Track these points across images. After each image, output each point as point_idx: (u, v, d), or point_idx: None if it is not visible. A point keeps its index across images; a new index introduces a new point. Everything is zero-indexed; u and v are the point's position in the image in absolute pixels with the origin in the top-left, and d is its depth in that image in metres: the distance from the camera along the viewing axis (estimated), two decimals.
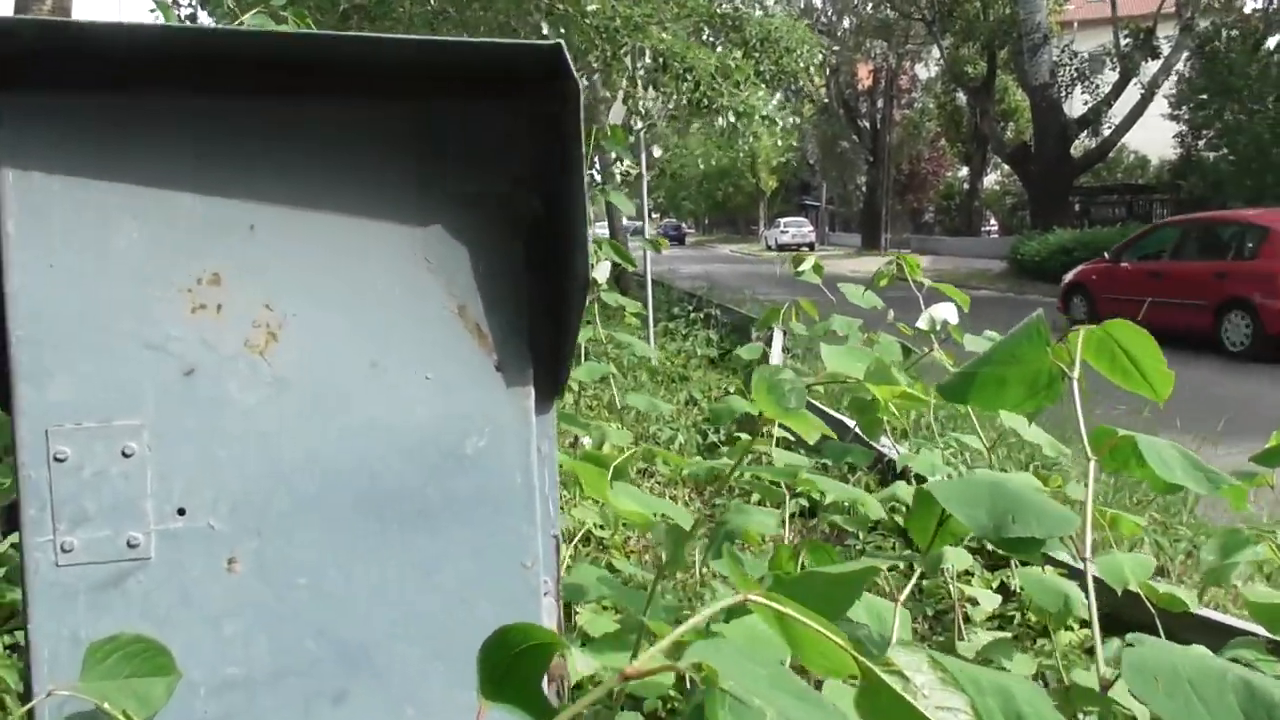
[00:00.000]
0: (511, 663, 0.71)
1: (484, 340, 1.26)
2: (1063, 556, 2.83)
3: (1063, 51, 25.03)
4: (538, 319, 1.28)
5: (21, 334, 1.11)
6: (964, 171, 35.39)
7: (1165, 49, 22.18)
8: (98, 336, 1.13)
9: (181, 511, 1.17)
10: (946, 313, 3.29)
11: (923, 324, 3.24)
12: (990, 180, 35.79)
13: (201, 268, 1.17)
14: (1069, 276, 13.43)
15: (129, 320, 1.14)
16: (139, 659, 1.12)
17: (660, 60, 9.83)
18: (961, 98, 31.09)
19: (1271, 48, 19.65)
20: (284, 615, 1.21)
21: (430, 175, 1.23)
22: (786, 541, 3.49)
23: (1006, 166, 32.92)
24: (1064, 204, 24.01)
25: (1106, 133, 24.53)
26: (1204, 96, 21.58)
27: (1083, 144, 25.11)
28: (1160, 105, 23.05)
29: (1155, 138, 26.40)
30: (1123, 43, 23.15)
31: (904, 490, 3.04)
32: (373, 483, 1.23)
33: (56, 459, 1.13)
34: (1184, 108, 23.28)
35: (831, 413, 5.30)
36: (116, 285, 1.14)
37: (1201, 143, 22.49)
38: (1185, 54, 21.64)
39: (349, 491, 1.22)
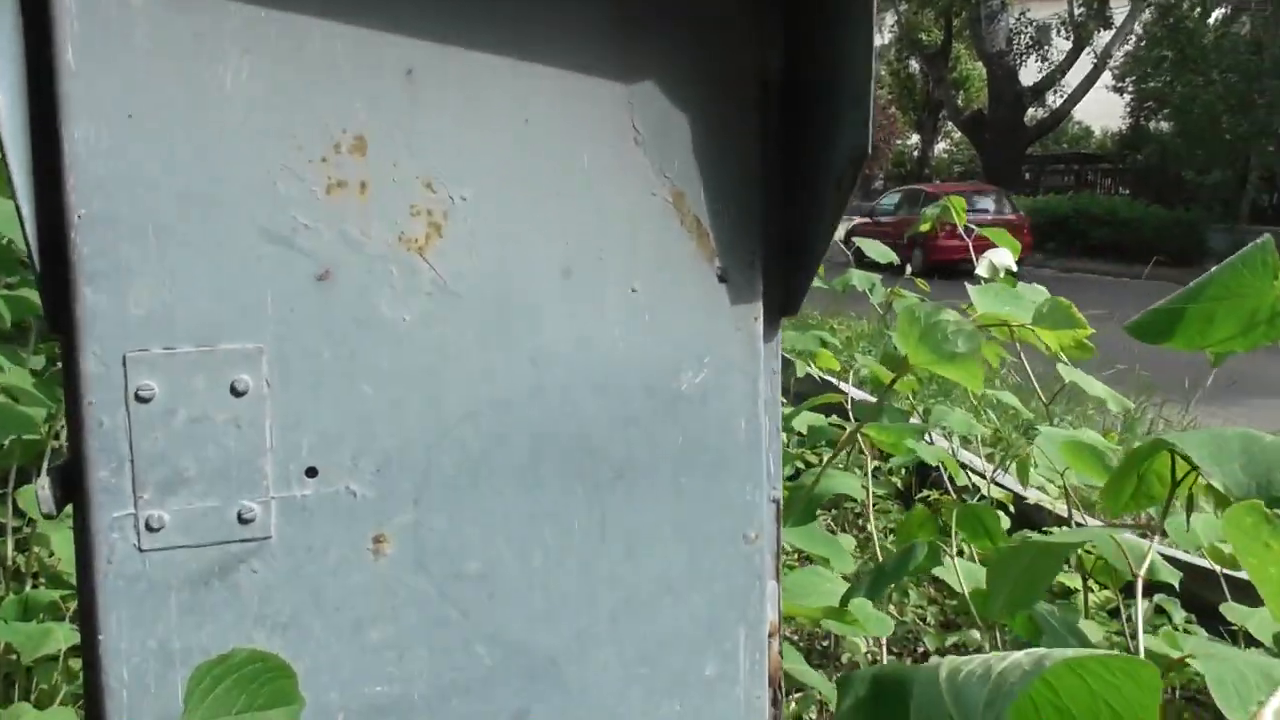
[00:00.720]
0: None
1: (704, 240, 0.93)
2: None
3: (1018, 19, 25.03)
4: (771, 210, 0.96)
5: (87, 212, 0.76)
6: (914, 139, 35.43)
7: (1117, 20, 22.28)
8: (198, 221, 0.78)
9: (312, 473, 0.83)
10: (1004, 259, 3.10)
11: (982, 271, 3.03)
12: (939, 149, 35.92)
13: (340, 127, 0.82)
14: (848, 227, 16.38)
15: (242, 199, 0.79)
16: (257, 684, 0.79)
17: None
18: (914, 65, 31.02)
19: (1220, 19, 19.82)
20: (448, 615, 0.88)
21: (642, 9, 0.90)
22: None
23: (956, 135, 33.06)
24: (1016, 172, 24.10)
25: (1057, 102, 24.66)
26: (1148, 70, 21.75)
27: (1034, 113, 25.21)
28: (1104, 77, 23.20)
29: (1096, 109, 26.66)
30: (1076, 11, 23.20)
31: (925, 451, 2.81)
32: (561, 433, 0.90)
33: (139, 398, 0.78)
34: (1128, 80, 23.47)
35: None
36: (223, 147, 0.79)
37: (1146, 113, 22.71)
38: (1138, 23, 21.76)
39: (530, 445, 0.89)
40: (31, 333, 2.21)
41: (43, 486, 0.78)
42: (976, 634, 3.00)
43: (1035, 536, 1.45)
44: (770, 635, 1.00)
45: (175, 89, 0.77)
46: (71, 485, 0.80)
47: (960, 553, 1.96)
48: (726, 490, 0.96)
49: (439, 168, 0.85)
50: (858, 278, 3.60)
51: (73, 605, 2.10)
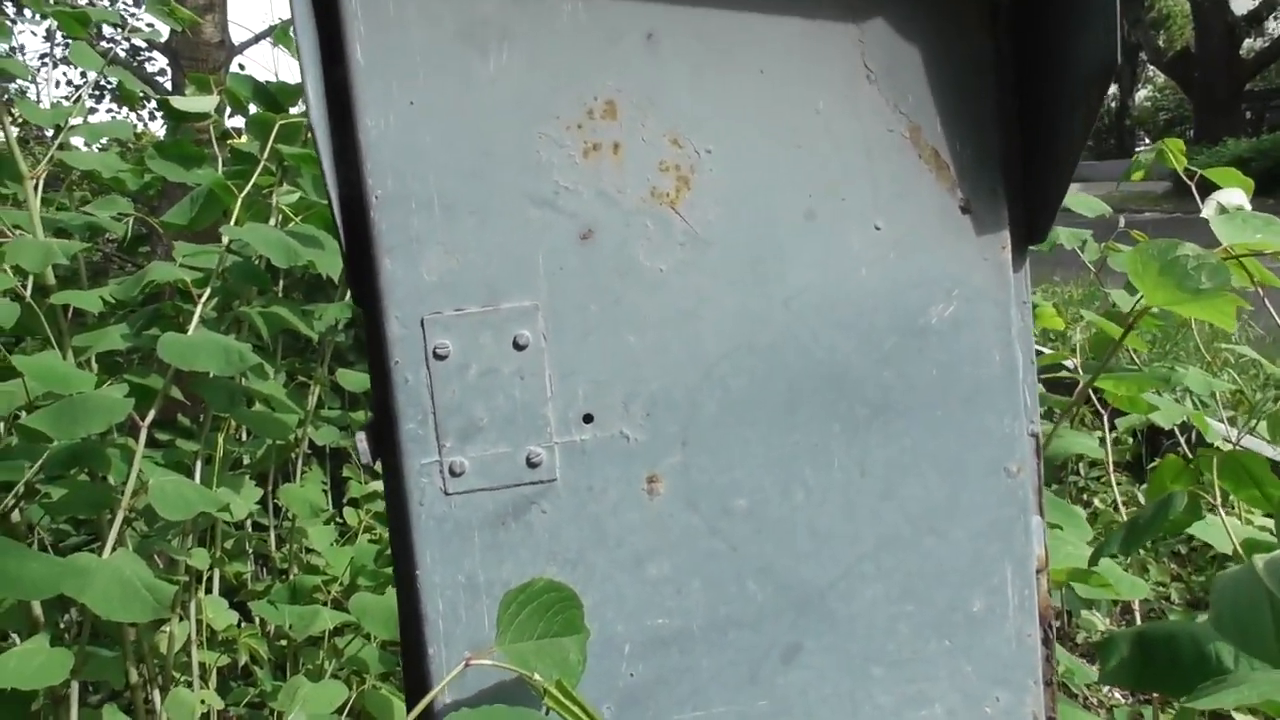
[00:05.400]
0: None
1: (944, 172, 0.93)
2: None
3: None
4: (1009, 137, 0.95)
5: (383, 193, 0.85)
6: (1111, 90, 33.11)
7: None
8: (474, 192, 0.86)
9: (588, 419, 0.90)
10: (1237, 199, 2.85)
11: (1210, 212, 2.80)
12: (1140, 96, 33.37)
13: (592, 95, 0.88)
14: None
15: (510, 169, 0.87)
16: (552, 612, 0.85)
17: None
18: None
19: None
20: (719, 550, 0.92)
21: None
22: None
23: (1159, 81, 30.66)
24: (1234, 112, 22.07)
25: (1279, 29, 22.41)
26: None
27: (1252, 44, 23.01)
28: None
29: None
30: None
31: (1165, 410, 2.60)
32: (813, 371, 0.93)
33: (437, 355, 0.87)
34: None
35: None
36: (491, 124, 0.86)
37: None
38: None
39: (785, 383, 0.92)
40: (277, 349, 2.38)
41: (361, 440, 0.88)
42: None
43: None
44: (1038, 571, 0.99)
45: (447, 76, 0.85)
46: (381, 439, 0.90)
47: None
48: (984, 423, 0.95)
49: (683, 125, 0.89)
50: (1065, 235, 3.42)
51: (333, 590, 2.29)
